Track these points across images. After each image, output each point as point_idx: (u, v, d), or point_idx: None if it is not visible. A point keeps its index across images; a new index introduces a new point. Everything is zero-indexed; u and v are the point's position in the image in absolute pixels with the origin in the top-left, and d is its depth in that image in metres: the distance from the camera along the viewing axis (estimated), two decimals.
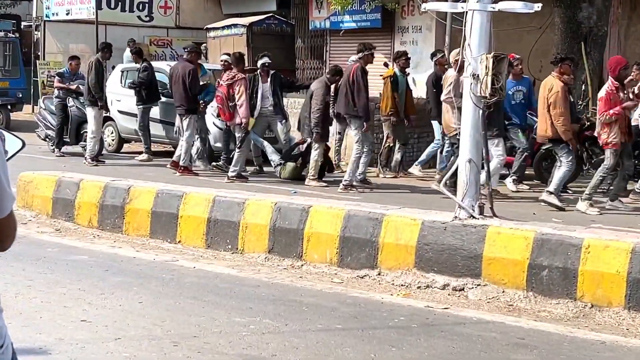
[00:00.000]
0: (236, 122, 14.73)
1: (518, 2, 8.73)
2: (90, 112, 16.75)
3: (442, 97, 12.64)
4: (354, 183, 14.15)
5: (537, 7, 8.51)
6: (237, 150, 14.88)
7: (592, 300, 7.48)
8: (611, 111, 11.82)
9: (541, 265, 7.70)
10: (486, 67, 8.35)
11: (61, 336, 6.42)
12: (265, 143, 15.78)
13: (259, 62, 15.81)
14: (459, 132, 12.66)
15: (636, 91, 13.23)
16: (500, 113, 12.54)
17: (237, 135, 14.94)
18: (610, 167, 12.10)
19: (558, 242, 7.68)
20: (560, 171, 12.40)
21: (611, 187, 12.84)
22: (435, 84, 14.94)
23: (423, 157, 15.76)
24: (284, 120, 15.73)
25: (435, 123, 15.25)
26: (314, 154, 14.54)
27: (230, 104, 14.70)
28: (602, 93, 12.07)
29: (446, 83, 12.54)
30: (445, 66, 14.91)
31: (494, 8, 8.50)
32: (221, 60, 16.52)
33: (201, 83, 16.08)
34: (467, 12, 8.53)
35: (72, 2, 25.68)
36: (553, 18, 15.82)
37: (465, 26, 8.55)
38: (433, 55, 15.97)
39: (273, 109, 15.61)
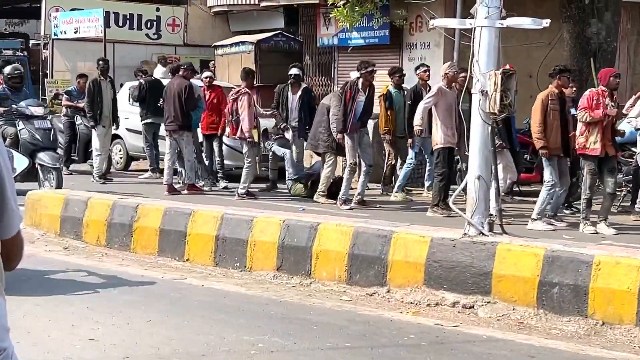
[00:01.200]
0: (240, 137, 14.71)
1: (526, 18, 8.71)
2: (94, 130, 16.83)
3: (421, 103, 12.78)
4: (353, 204, 13.92)
5: (546, 23, 8.48)
6: (245, 166, 14.81)
7: (603, 318, 7.42)
8: (597, 112, 11.42)
9: (552, 282, 7.65)
10: (495, 83, 8.32)
11: (69, 355, 6.39)
12: (288, 153, 15.66)
13: (289, 72, 15.78)
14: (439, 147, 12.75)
15: (631, 101, 13.10)
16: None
17: (244, 150, 14.89)
18: (589, 186, 11.61)
19: (569, 259, 7.63)
20: (540, 195, 11.89)
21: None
22: (414, 98, 14.71)
23: (400, 181, 15.04)
24: (301, 139, 15.67)
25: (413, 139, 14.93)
26: (327, 170, 14.45)
27: (234, 119, 14.70)
28: (585, 93, 11.73)
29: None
30: (428, 82, 14.91)
31: (502, 24, 8.47)
32: (205, 77, 16.59)
33: None
34: (475, 28, 8.51)
35: (80, 20, 25.72)
36: (562, 34, 15.78)
37: (473, 42, 8.53)
38: (416, 68, 15.76)
39: (297, 125, 15.55)
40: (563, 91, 12.17)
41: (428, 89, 14.49)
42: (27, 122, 13.78)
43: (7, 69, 15.39)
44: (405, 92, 15.51)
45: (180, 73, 15.78)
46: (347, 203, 13.84)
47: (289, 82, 15.75)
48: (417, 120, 13.16)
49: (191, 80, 15.78)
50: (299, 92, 15.69)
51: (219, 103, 16.20)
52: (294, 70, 15.78)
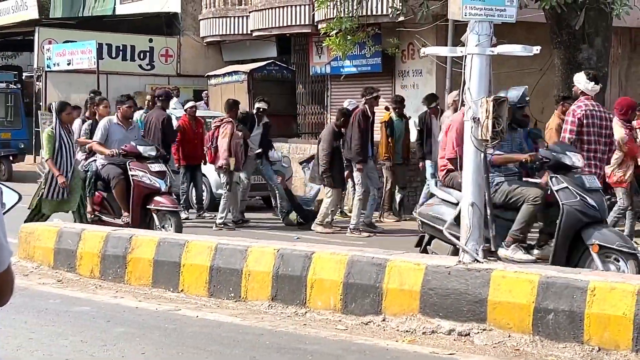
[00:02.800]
0: (217, 165, 14.79)
1: (517, 45, 8.73)
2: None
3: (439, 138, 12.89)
4: (360, 227, 14.17)
5: (536, 49, 8.50)
6: (223, 196, 14.85)
7: (600, 344, 7.39)
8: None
9: (547, 308, 7.62)
10: (486, 110, 8.33)
11: None
12: (279, 186, 15.72)
13: (255, 106, 15.99)
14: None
15: None
16: None
17: (221, 180, 15.00)
18: (626, 207, 11.98)
19: (563, 285, 7.61)
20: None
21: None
22: (424, 126, 15.18)
23: (422, 200, 15.57)
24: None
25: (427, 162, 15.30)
26: (326, 201, 14.55)
27: (213, 146, 14.80)
28: (621, 132, 11.86)
29: (443, 124, 12.67)
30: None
31: (493, 52, 8.50)
32: (191, 107, 16.66)
33: None
34: (466, 56, 8.53)
35: (73, 52, 25.80)
36: (553, 60, 15.85)
37: (464, 70, 8.55)
38: (430, 102, 15.96)
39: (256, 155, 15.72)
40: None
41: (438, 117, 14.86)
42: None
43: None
44: (407, 120, 15.77)
45: (158, 104, 15.80)
46: (358, 230, 14.02)
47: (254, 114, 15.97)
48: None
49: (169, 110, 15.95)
50: (261, 125, 16.02)
51: (203, 133, 16.31)
52: (259, 105, 16.02)
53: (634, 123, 13.20)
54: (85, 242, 10.95)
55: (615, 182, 11.95)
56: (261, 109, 16.00)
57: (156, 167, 12.63)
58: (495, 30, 8.62)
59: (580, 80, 10.49)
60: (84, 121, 15.10)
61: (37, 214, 12.66)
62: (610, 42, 16.13)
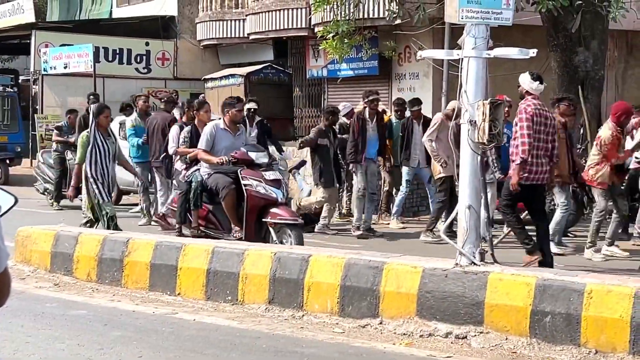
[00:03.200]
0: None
1: (514, 48, 8.75)
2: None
3: (423, 139, 13.09)
4: (361, 230, 14.21)
5: (533, 52, 8.52)
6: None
7: (597, 346, 7.39)
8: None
9: (544, 311, 7.63)
10: (483, 113, 8.34)
11: None
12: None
13: (245, 107, 15.91)
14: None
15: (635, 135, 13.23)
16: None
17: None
18: (603, 209, 12.03)
19: (560, 288, 7.61)
20: (555, 216, 12.33)
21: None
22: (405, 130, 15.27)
23: (396, 208, 15.54)
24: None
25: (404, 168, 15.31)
26: (320, 201, 14.62)
27: None
28: (607, 133, 11.94)
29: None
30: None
31: (489, 55, 8.51)
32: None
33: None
34: (462, 59, 8.54)
35: (70, 55, 25.78)
36: (549, 63, 15.87)
37: (461, 73, 8.56)
38: (411, 104, 15.86)
39: None
40: (565, 119, 12.37)
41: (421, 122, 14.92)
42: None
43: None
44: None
45: (162, 107, 15.79)
46: (360, 229, 14.10)
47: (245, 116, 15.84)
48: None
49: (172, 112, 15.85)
50: (254, 125, 16.05)
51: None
52: (250, 105, 16.03)
53: (633, 121, 13.24)
54: (82, 245, 10.94)
55: (590, 180, 12.04)
56: (252, 110, 16.00)
57: (271, 175, 11.40)
58: (491, 33, 8.63)
59: (525, 81, 10.66)
60: (181, 127, 13.60)
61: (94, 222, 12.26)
62: (606, 45, 16.17)
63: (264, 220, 11.25)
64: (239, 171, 11.41)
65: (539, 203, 11.08)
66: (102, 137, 12.06)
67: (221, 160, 11.41)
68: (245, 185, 11.28)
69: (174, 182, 13.17)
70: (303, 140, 15.00)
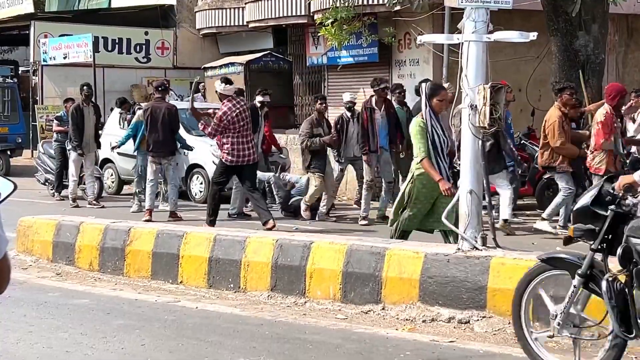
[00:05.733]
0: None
1: (514, 32, 8.72)
2: (70, 156, 16.81)
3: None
4: (367, 220, 14.15)
5: (533, 36, 8.48)
6: (234, 186, 14.82)
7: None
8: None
9: None
10: (484, 97, 8.31)
11: None
12: (275, 176, 15.74)
13: (257, 99, 15.79)
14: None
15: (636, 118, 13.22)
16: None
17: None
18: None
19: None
20: (556, 198, 12.41)
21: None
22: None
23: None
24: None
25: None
26: (311, 189, 14.60)
27: None
28: (601, 117, 11.95)
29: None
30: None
31: (489, 38, 8.48)
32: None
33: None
34: (462, 43, 8.51)
35: (69, 45, 25.76)
36: (550, 47, 15.83)
37: (461, 57, 8.53)
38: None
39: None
40: (567, 108, 12.42)
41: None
42: None
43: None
44: (409, 109, 15.60)
45: (158, 95, 15.55)
46: (366, 219, 14.04)
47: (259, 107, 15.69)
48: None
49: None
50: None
51: None
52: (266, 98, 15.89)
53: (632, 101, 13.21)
54: (84, 234, 10.94)
55: (590, 165, 12.11)
56: (265, 103, 15.78)
57: None
58: (491, 18, 8.60)
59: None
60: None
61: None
62: (607, 28, 16.11)
63: None
64: None
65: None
66: (437, 124, 9.45)
67: None
68: None
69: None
70: (307, 143, 14.57)
